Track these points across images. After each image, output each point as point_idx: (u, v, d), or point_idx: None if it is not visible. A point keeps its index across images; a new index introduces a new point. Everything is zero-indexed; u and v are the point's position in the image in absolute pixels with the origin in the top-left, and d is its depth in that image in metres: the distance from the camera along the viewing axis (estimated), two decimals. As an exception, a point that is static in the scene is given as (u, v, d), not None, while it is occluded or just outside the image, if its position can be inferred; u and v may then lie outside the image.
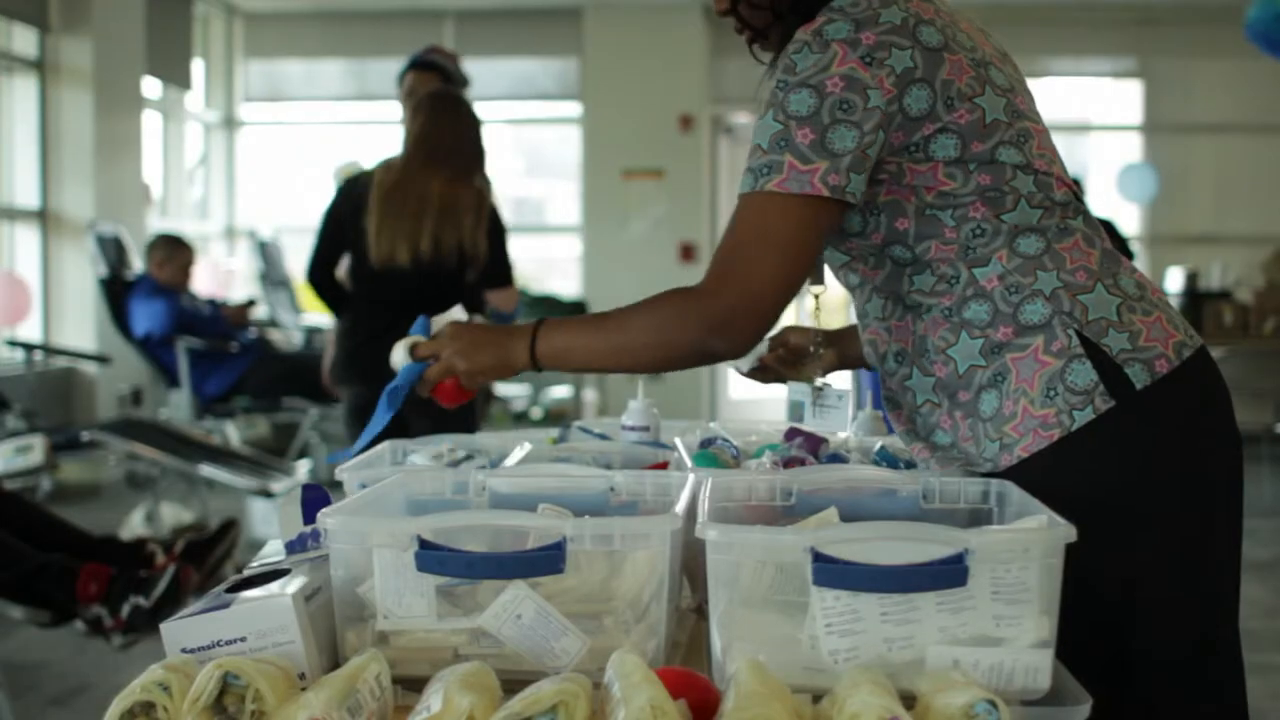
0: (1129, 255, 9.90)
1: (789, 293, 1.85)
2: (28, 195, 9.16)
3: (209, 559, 3.85)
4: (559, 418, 10.17)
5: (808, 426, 2.21)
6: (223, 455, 6.09)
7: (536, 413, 10.78)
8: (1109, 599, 1.80)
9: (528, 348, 1.94)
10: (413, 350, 2.00)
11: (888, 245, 1.90)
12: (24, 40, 9.15)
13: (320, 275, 4.88)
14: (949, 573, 1.42)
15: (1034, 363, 1.85)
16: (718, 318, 1.82)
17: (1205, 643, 1.85)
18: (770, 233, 1.81)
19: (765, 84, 1.92)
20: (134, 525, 6.66)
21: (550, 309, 9.23)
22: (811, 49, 1.81)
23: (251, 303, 8.72)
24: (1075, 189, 1.96)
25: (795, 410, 2.29)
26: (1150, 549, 1.82)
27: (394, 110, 11.90)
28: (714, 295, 1.82)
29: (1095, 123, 12.79)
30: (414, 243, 4.65)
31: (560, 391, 11.05)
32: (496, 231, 4.84)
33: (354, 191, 4.79)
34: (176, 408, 7.92)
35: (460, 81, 5.37)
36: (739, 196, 1.84)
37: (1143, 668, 1.81)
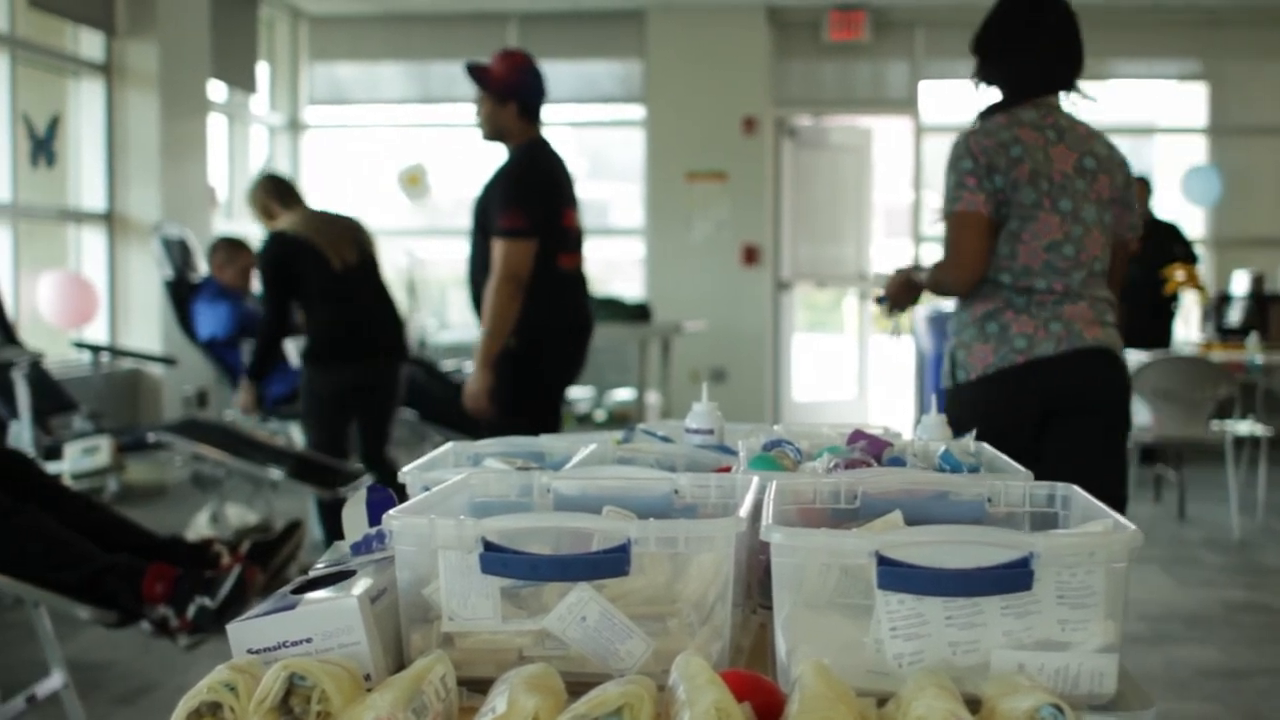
0: (1193, 260, 9.83)
1: None
2: (94, 198, 9.26)
3: (274, 560, 3.86)
4: (622, 420, 10.18)
5: None
6: (287, 457, 6.13)
7: (600, 415, 10.80)
8: None
9: None
10: None
11: None
12: (91, 44, 9.25)
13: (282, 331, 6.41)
14: (1014, 576, 1.41)
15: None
16: None
17: None
18: None
19: None
20: (199, 526, 6.72)
21: (613, 311, 9.22)
22: None
23: None
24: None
25: None
26: None
27: (456, 113, 11.97)
28: None
29: (1160, 125, 12.68)
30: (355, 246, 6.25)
31: (623, 394, 11.06)
32: None
33: (282, 250, 6.16)
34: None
35: (498, 87, 5.24)
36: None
37: None
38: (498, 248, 5.00)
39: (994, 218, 3.52)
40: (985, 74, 3.68)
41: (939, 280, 3.66)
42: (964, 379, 3.59)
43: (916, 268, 3.89)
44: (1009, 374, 3.52)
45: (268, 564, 3.82)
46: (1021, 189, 3.49)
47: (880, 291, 3.95)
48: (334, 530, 5.98)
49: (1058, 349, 3.49)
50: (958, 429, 2.64)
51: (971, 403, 3.57)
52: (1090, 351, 3.53)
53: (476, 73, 5.16)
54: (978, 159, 3.50)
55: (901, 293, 3.87)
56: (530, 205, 5.06)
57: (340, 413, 6.23)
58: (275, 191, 6.37)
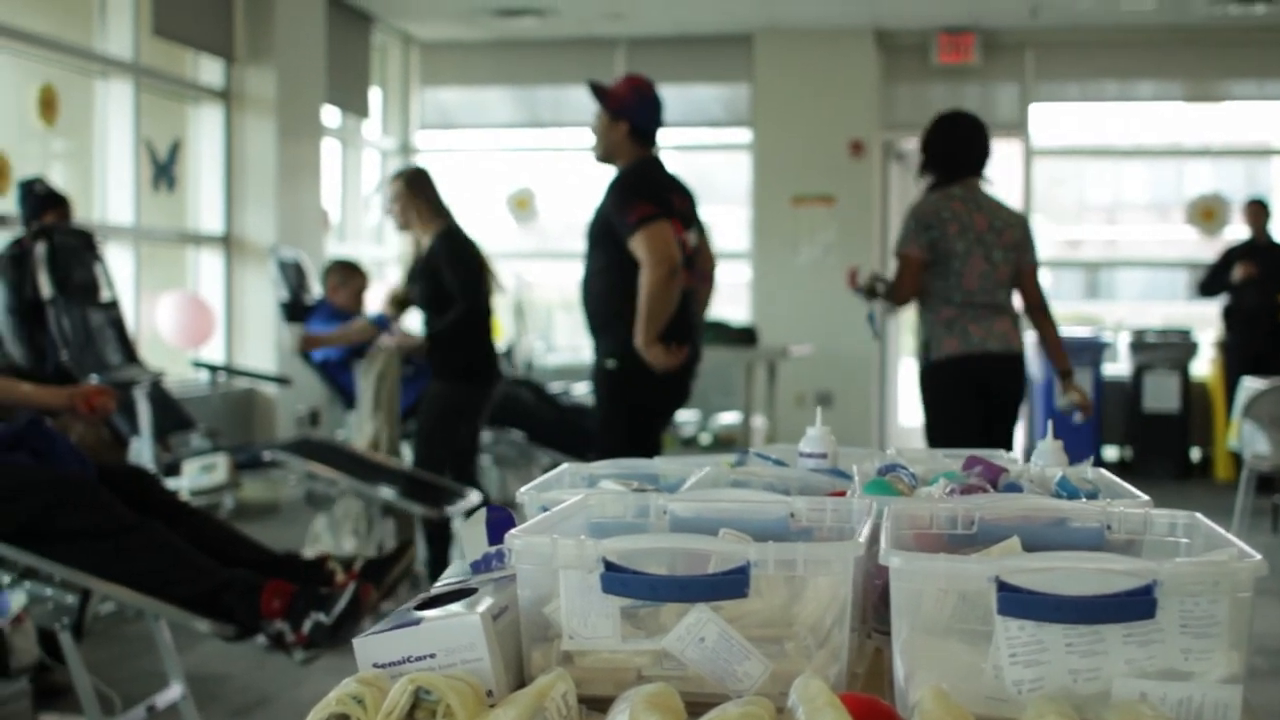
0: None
1: None
2: (213, 221, 9.43)
3: (387, 578, 3.91)
4: (727, 443, 10.17)
5: None
6: (398, 476, 6.19)
7: (705, 438, 10.79)
8: None
9: None
10: None
11: None
12: (210, 71, 9.44)
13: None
14: (1136, 604, 1.40)
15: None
16: None
17: None
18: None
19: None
20: (314, 538, 6.78)
21: (719, 334, 9.22)
22: None
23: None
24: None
25: None
26: None
27: (564, 137, 12.05)
28: None
29: (1277, 147, 12.49)
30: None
31: (729, 417, 11.04)
32: None
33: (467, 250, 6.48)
34: (353, 429, 8.06)
35: (614, 105, 5.25)
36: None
37: None
38: (637, 243, 4.95)
39: (925, 258, 5.37)
40: (926, 165, 5.59)
41: (892, 294, 5.54)
42: (935, 359, 5.41)
43: (882, 275, 5.72)
44: (970, 357, 5.35)
45: (381, 581, 3.87)
46: (954, 240, 5.33)
47: (858, 282, 5.70)
48: (438, 549, 6.04)
49: (998, 348, 5.37)
50: (930, 395, 5.46)
51: (943, 373, 5.40)
52: (1015, 356, 5.46)
53: (597, 89, 5.25)
54: (920, 219, 5.39)
55: (871, 287, 5.60)
56: (649, 196, 5.04)
57: (458, 428, 6.49)
58: (424, 193, 6.45)
